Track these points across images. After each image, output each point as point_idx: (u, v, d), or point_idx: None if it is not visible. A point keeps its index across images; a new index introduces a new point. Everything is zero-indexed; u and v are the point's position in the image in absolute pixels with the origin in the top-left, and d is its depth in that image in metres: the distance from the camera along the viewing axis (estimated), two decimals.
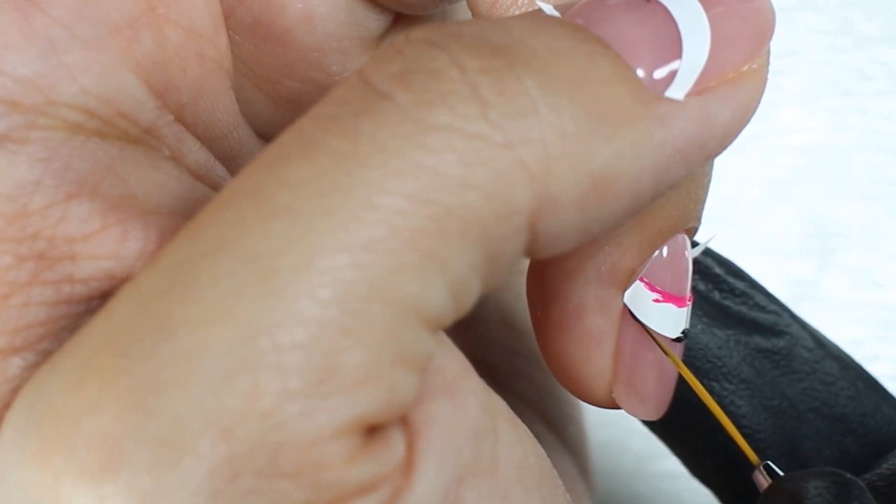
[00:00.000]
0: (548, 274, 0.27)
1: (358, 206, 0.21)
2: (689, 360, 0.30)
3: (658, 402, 0.28)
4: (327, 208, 0.21)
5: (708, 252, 0.31)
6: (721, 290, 0.30)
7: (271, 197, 0.21)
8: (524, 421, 0.31)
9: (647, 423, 0.31)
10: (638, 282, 0.27)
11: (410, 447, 0.23)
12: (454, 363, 0.24)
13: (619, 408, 0.28)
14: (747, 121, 0.25)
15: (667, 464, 0.41)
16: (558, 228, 0.23)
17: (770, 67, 0.52)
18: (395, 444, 0.22)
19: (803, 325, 0.31)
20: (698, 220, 0.28)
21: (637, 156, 0.23)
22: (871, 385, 0.31)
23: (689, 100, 0.24)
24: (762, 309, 0.31)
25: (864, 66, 0.52)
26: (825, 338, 0.32)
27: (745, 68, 0.24)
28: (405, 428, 0.23)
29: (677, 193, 0.27)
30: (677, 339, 0.27)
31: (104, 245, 0.24)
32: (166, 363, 0.21)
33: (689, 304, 0.27)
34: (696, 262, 0.30)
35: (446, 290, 0.22)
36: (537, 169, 0.22)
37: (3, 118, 0.24)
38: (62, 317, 0.24)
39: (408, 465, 0.23)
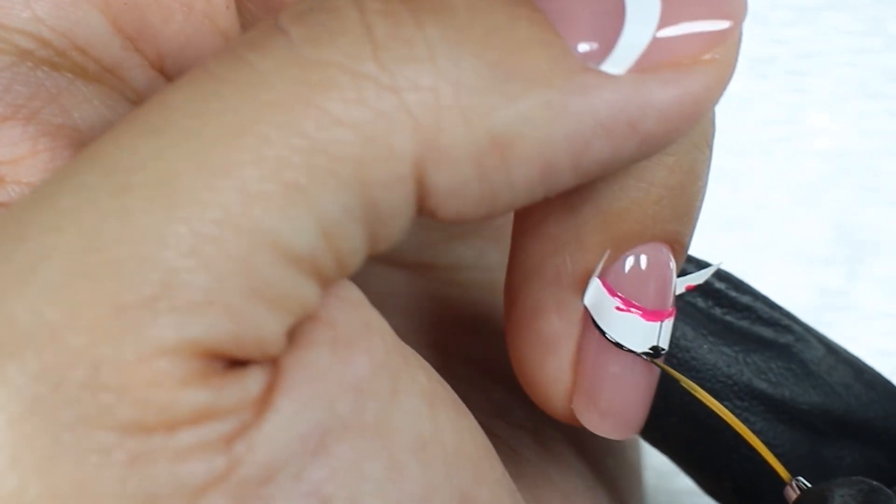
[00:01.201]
0: (513, 273, 0.27)
1: (224, 131, 0.21)
2: (699, 382, 0.29)
3: (622, 421, 0.27)
4: (192, 131, 0.21)
5: (690, 260, 0.29)
6: (721, 305, 0.30)
7: (148, 118, 0.22)
8: (552, 447, 0.30)
9: (657, 444, 0.30)
10: (601, 287, 0.26)
11: (271, 388, 0.22)
12: (353, 321, 0.23)
13: (579, 423, 0.27)
14: (698, 112, 0.24)
15: (687, 480, 0.40)
16: (452, 185, 0.23)
17: (796, 68, 0.51)
18: (251, 381, 0.22)
19: (813, 334, 0.30)
20: (680, 234, 0.27)
21: (546, 121, 0.23)
22: (889, 390, 0.30)
23: (622, 75, 0.23)
24: (767, 321, 0.30)
25: (894, 67, 0.52)
26: (835, 344, 0.31)
27: (707, 57, 0.23)
28: (272, 370, 0.23)
29: (647, 197, 0.26)
30: (647, 355, 0.26)
31: (32, 171, 0.24)
32: (13, 266, 0.21)
33: (668, 320, 0.26)
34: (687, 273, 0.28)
35: (315, 229, 0.22)
36: (424, 117, 0.22)
37: None
38: None
39: (262, 403, 0.22)
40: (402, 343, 0.25)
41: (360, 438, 0.23)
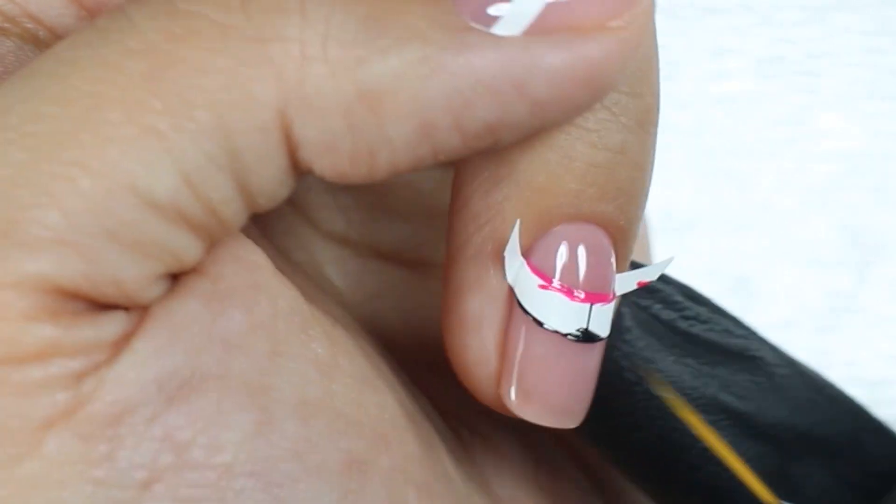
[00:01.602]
0: (446, 253, 0.26)
1: (87, 76, 0.22)
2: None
3: (549, 405, 0.26)
4: (59, 75, 0.22)
5: (666, 279, 0.29)
6: (686, 317, 0.29)
7: (31, 66, 0.22)
8: (555, 462, 0.30)
9: (619, 463, 0.30)
10: (524, 265, 0.25)
11: (133, 332, 0.22)
12: (239, 279, 0.23)
13: (508, 410, 0.26)
14: (596, 78, 0.23)
15: None
16: (321, 137, 0.22)
17: (805, 69, 0.51)
18: (108, 323, 0.22)
19: (773, 348, 0.30)
20: (615, 216, 0.26)
21: (420, 77, 0.22)
22: (850, 407, 0.30)
23: (507, 36, 0.23)
24: (730, 334, 0.29)
25: None
26: (794, 358, 0.30)
27: (614, 24, 0.23)
28: (137, 316, 0.23)
29: (567, 172, 0.25)
30: (578, 339, 0.25)
31: None
32: None
33: (601, 305, 0.26)
34: (656, 290, 0.28)
35: (175, 175, 0.22)
36: (287, 67, 0.22)
37: None
38: None
39: (119, 345, 0.22)
40: (315, 317, 0.25)
41: (226, 390, 0.23)
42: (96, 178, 0.21)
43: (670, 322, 0.29)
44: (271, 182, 0.23)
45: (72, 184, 0.21)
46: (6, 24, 0.26)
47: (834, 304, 0.50)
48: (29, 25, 0.26)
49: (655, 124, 0.26)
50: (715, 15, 0.51)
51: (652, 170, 0.26)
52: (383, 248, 0.31)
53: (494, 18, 0.23)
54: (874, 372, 0.50)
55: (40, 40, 0.26)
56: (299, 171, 0.23)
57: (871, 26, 0.51)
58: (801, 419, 0.29)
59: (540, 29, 0.23)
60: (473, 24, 0.23)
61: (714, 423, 0.29)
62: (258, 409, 0.23)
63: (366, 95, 0.22)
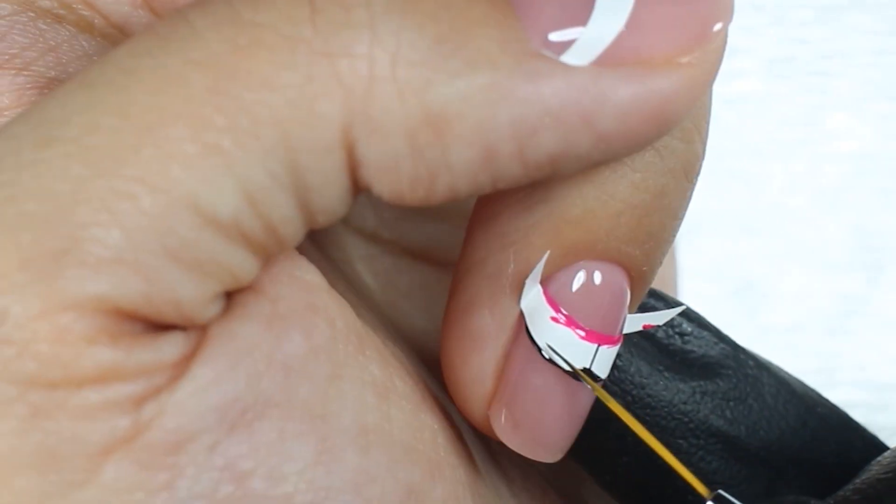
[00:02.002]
0: (460, 263, 0.26)
1: (150, 88, 0.21)
2: (655, 420, 0.28)
3: (536, 439, 0.26)
4: (120, 86, 0.21)
5: (656, 294, 0.28)
6: (682, 334, 0.29)
7: (87, 72, 0.22)
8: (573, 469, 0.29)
9: (608, 487, 0.29)
10: (540, 294, 0.25)
11: (192, 354, 0.22)
12: (298, 300, 0.23)
13: (494, 434, 0.26)
14: (664, 115, 0.22)
15: None
16: (383, 158, 0.22)
17: (816, 69, 0.50)
18: (167, 345, 0.22)
19: (765, 367, 0.29)
20: (640, 261, 0.25)
21: (488, 103, 0.22)
22: (843, 421, 0.30)
23: (578, 66, 0.22)
24: (723, 354, 0.29)
25: None
26: (788, 375, 0.30)
27: (684, 60, 0.22)
28: (196, 337, 0.22)
29: (602, 210, 0.25)
30: (575, 375, 0.25)
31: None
32: None
33: (607, 347, 0.25)
34: (648, 308, 0.28)
35: (237, 193, 0.21)
36: (355, 85, 0.21)
37: None
38: None
39: (179, 368, 0.22)
40: (368, 335, 0.24)
41: (288, 418, 0.22)
42: (158, 196, 0.21)
43: (665, 342, 0.29)
44: (332, 201, 0.22)
45: (133, 201, 0.21)
46: (61, 11, 0.25)
47: (844, 308, 0.50)
48: (85, 13, 0.25)
49: (698, 174, 0.25)
50: None
51: (684, 218, 0.26)
52: (415, 247, 0.31)
53: (565, 45, 0.22)
54: (884, 376, 0.50)
55: (95, 29, 0.25)
56: (359, 189, 0.23)
57: (884, 26, 0.51)
58: (790, 441, 0.29)
59: (610, 60, 0.22)
60: (544, 52, 0.22)
61: (703, 448, 0.29)
62: (318, 438, 0.23)
63: (432, 119, 0.22)
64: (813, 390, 0.30)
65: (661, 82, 0.22)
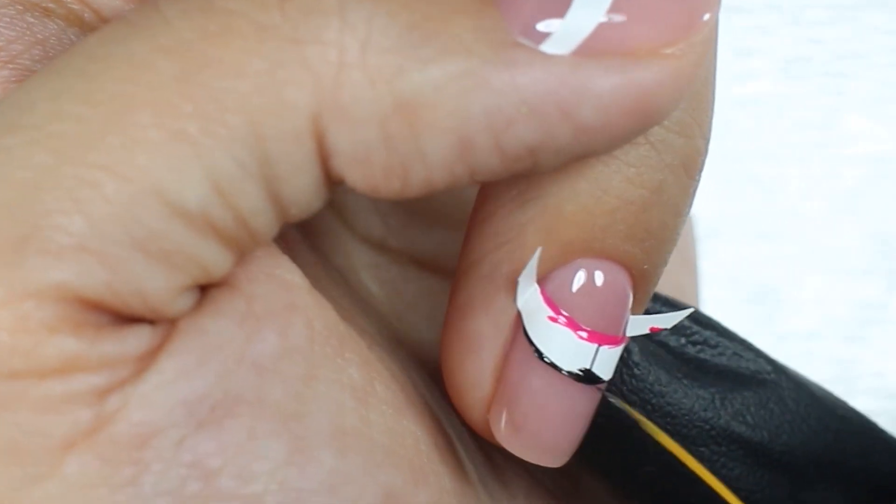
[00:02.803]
0: (458, 266, 0.25)
1: (117, 75, 0.21)
2: (675, 429, 0.27)
3: (537, 442, 0.25)
4: (88, 73, 0.21)
5: (665, 300, 0.28)
6: (694, 342, 0.28)
7: (58, 60, 0.22)
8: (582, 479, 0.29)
9: (629, 498, 0.29)
10: (537, 292, 0.24)
11: (159, 348, 0.22)
12: (275, 299, 0.23)
13: (495, 440, 0.25)
14: (646, 108, 0.22)
15: None
16: (355, 147, 0.21)
17: (833, 70, 0.50)
18: (133, 337, 0.21)
19: (783, 370, 0.29)
20: (638, 258, 0.24)
21: (461, 91, 0.21)
22: (864, 424, 0.29)
23: (557, 56, 0.21)
24: (740, 357, 0.28)
25: None
26: (807, 380, 0.29)
27: (669, 51, 0.22)
28: (163, 331, 0.22)
29: (598, 204, 0.24)
30: (579, 379, 0.24)
31: None
32: None
33: (608, 347, 0.24)
34: (655, 313, 0.27)
35: (205, 182, 0.21)
36: (324, 72, 0.21)
37: None
38: None
39: (144, 361, 0.21)
40: (350, 337, 0.24)
41: (259, 417, 0.22)
42: (123, 184, 0.21)
43: (679, 349, 0.28)
44: (304, 192, 0.22)
45: (97, 189, 0.21)
46: (51, 4, 0.25)
47: (862, 315, 0.49)
48: (74, 7, 0.25)
49: (700, 170, 0.25)
50: (740, 14, 0.50)
51: (687, 216, 0.25)
52: (422, 255, 0.30)
53: (544, 35, 0.22)
54: None
55: (85, 23, 0.25)
56: (332, 181, 0.22)
57: None
58: (813, 444, 0.28)
59: (591, 50, 0.22)
60: (522, 40, 0.22)
61: (726, 455, 0.28)
62: (292, 438, 0.22)
63: (403, 107, 0.21)
64: (830, 393, 0.29)
65: (644, 73, 0.22)
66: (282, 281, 0.23)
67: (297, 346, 0.22)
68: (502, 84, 0.21)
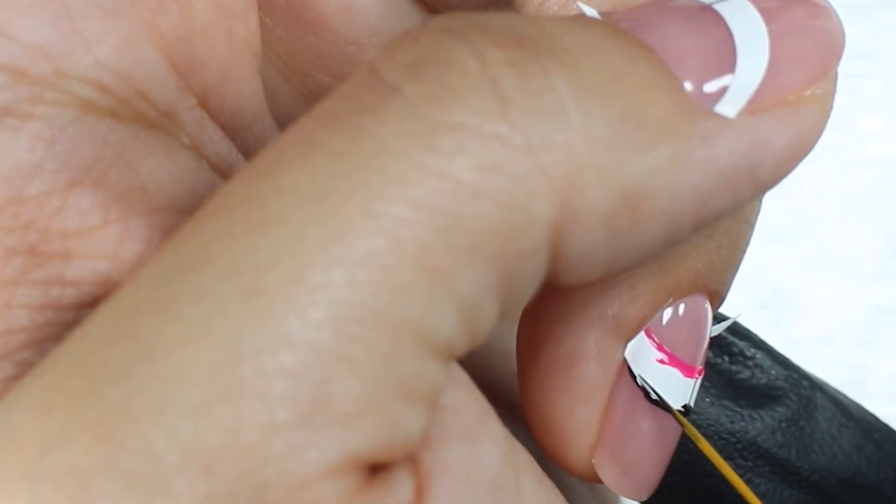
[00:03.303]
0: (546, 311, 0.25)
1: (355, 214, 0.20)
2: None
3: (642, 481, 0.25)
4: (321, 217, 0.20)
5: (723, 320, 0.28)
6: (730, 353, 0.28)
7: (261, 204, 0.20)
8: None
9: None
10: (643, 336, 0.24)
11: (420, 493, 0.21)
12: (474, 405, 0.22)
13: (597, 479, 0.25)
14: (805, 152, 0.22)
15: None
16: (583, 249, 0.21)
17: (846, 70, 0.49)
18: (401, 488, 0.21)
19: (819, 387, 0.28)
20: (724, 286, 0.25)
21: (675, 173, 0.21)
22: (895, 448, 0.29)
23: (739, 118, 0.22)
24: (774, 372, 0.28)
25: None
26: (845, 398, 0.29)
27: (808, 92, 0.22)
28: (414, 470, 0.21)
29: (706, 245, 0.24)
30: (682, 413, 0.25)
31: (102, 243, 0.22)
32: (140, 389, 0.19)
33: (698, 377, 0.25)
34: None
35: (455, 313, 0.20)
36: (561, 178, 0.20)
37: (7, 89, 0.22)
38: (47, 324, 0.22)
39: None
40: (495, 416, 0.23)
41: None
42: (387, 333, 0.20)
43: (711, 361, 0.28)
44: (525, 298, 0.21)
45: (365, 345, 0.19)
46: (119, 108, 0.23)
47: (875, 319, 0.49)
48: (139, 105, 0.24)
49: None
50: None
51: None
52: None
53: (717, 96, 0.22)
54: None
55: (149, 121, 0.24)
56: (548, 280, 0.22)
57: None
58: (843, 466, 0.28)
59: (759, 105, 0.22)
60: (702, 106, 0.22)
61: (752, 470, 0.28)
62: None
63: (629, 200, 0.21)
64: (870, 413, 0.29)
65: (804, 121, 0.22)
66: (463, 382, 0.22)
67: (504, 448, 0.22)
68: (703, 159, 0.21)
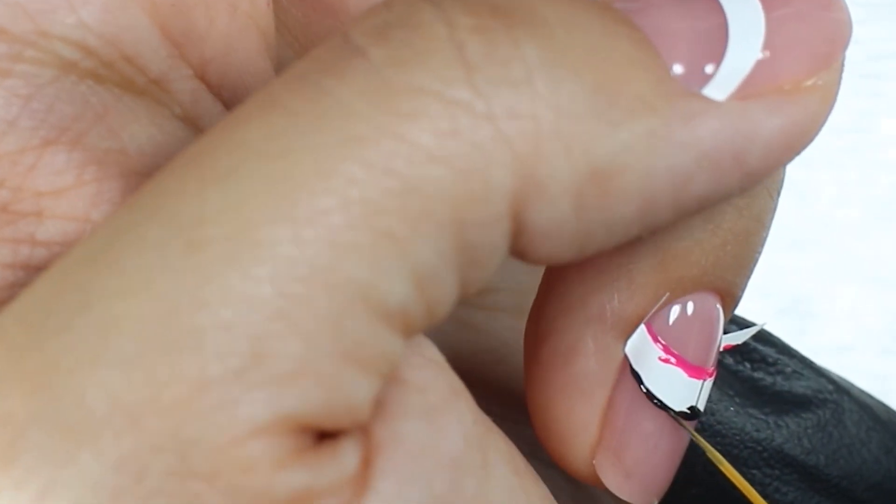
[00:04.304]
0: (547, 306, 0.24)
1: (306, 172, 0.19)
2: (725, 448, 0.27)
3: (646, 485, 0.24)
4: (271, 174, 0.19)
5: (732, 319, 0.27)
6: (752, 360, 0.27)
7: (215, 160, 0.20)
8: (585, 487, 0.29)
9: None
10: (646, 333, 0.23)
11: (367, 463, 0.20)
12: (442, 384, 0.21)
13: (600, 483, 0.24)
14: (801, 144, 0.22)
15: None
16: (549, 222, 0.20)
17: (867, 71, 0.48)
18: (346, 457, 0.20)
19: (846, 391, 0.27)
20: (735, 286, 0.24)
21: (650, 151, 0.20)
22: None
23: (728, 102, 0.21)
24: (800, 376, 0.27)
25: None
26: (871, 399, 0.28)
27: (810, 83, 0.22)
28: (365, 442, 0.20)
29: (710, 241, 0.23)
30: (682, 415, 0.24)
31: (75, 204, 0.22)
32: (77, 340, 0.19)
33: (709, 379, 0.24)
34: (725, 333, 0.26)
35: (408, 280, 0.20)
36: (523, 147, 0.20)
37: None
38: (16, 283, 0.21)
39: (361, 482, 0.20)
40: (478, 408, 0.23)
41: None
42: (332, 295, 0.19)
43: (734, 367, 0.27)
44: (488, 273, 0.20)
45: (307, 305, 0.19)
46: (103, 71, 0.23)
47: None
48: (126, 70, 0.23)
49: (782, 187, 0.25)
50: None
51: None
52: None
53: (705, 79, 0.21)
54: None
55: (136, 86, 0.23)
56: (511, 255, 0.21)
57: None
58: (873, 471, 0.27)
59: (750, 91, 0.21)
60: (689, 87, 0.21)
61: (779, 479, 0.27)
62: None
63: (597, 174, 0.20)
64: None
65: (799, 109, 0.21)
66: (434, 362, 0.21)
67: (470, 432, 0.21)
68: (684, 139, 0.20)
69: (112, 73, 0.22)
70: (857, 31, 0.42)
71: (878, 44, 0.46)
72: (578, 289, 0.23)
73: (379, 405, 0.20)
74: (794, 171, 0.47)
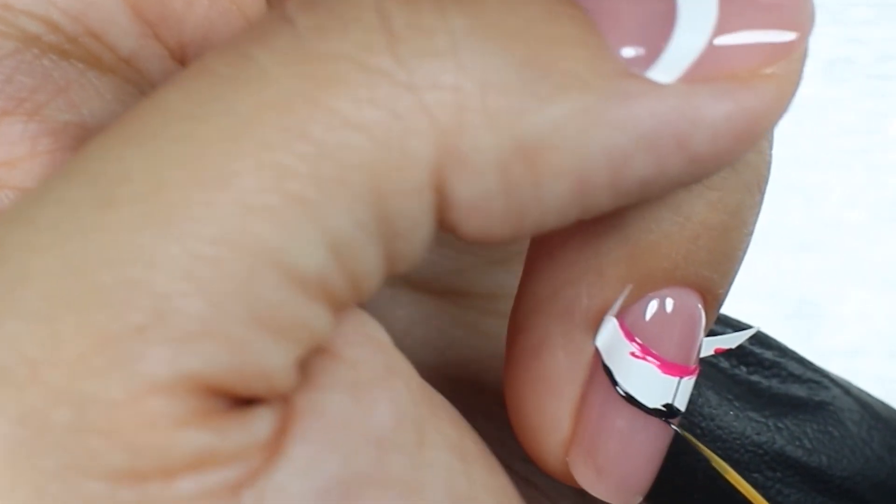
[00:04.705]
0: (520, 301, 0.25)
1: (220, 135, 0.20)
2: (726, 453, 0.27)
3: (620, 484, 0.24)
4: (186, 136, 0.20)
5: (726, 320, 0.27)
6: (746, 364, 0.27)
7: (139, 122, 0.21)
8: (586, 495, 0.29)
9: None
10: (617, 328, 0.23)
11: (283, 431, 0.21)
12: (376, 362, 0.22)
13: (573, 481, 0.24)
14: (754, 133, 0.21)
15: None
16: (475, 197, 0.21)
17: (877, 72, 0.48)
18: (258, 421, 0.20)
19: (846, 390, 0.28)
20: (713, 282, 0.24)
21: (582, 130, 0.21)
22: None
23: (672, 85, 0.21)
24: (798, 378, 0.27)
25: None
26: (871, 397, 0.28)
27: (768, 71, 0.21)
28: (284, 411, 0.21)
29: (680, 234, 0.23)
30: (659, 413, 0.23)
31: (28, 174, 0.23)
32: None
33: (688, 378, 0.23)
34: (714, 334, 0.26)
35: (324, 247, 0.20)
36: (445, 118, 0.20)
37: None
38: None
39: (273, 448, 0.20)
40: (429, 388, 0.23)
41: (385, 495, 0.21)
42: (240, 257, 0.20)
43: (730, 371, 0.27)
44: (416, 246, 0.21)
45: (215, 265, 0.20)
46: (67, 46, 0.24)
47: None
48: (92, 46, 0.24)
49: (767, 183, 0.24)
50: None
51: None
52: (416, 276, 0.29)
53: (651, 60, 0.21)
54: None
55: (103, 63, 0.24)
56: (443, 231, 0.21)
57: None
58: (876, 469, 0.27)
59: (698, 75, 0.21)
60: (630, 68, 0.21)
61: (781, 481, 0.27)
62: None
63: (525, 150, 0.21)
64: None
65: (751, 96, 0.21)
66: (374, 341, 0.22)
67: (405, 411, 0.22)
68: (620, 119, 0.21)
69: (77, 49, 0.24)
70: (865, 32, 0.42)
71: (887, 44, 0.46)
72: (550, 283, 0.24)
73: (306, 377, 0.21)
74: (801, 173, 0.47)
